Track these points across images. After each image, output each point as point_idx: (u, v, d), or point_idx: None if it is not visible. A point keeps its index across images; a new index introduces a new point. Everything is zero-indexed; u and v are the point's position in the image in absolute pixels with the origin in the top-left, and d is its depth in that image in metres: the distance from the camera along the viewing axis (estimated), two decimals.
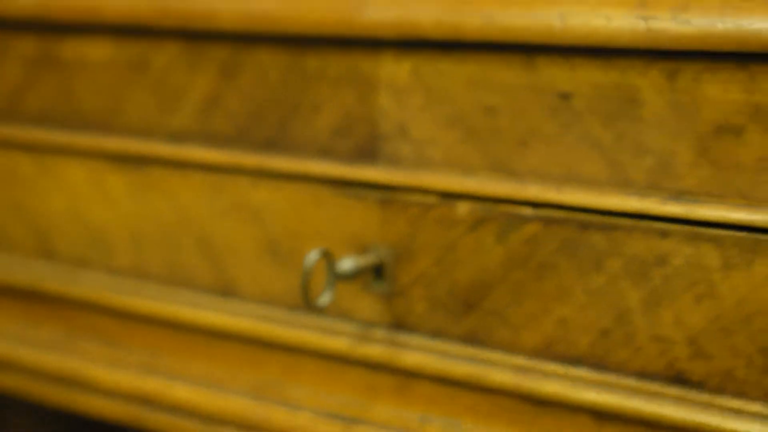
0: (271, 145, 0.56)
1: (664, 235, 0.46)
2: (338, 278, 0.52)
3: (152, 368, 0.63)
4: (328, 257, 0.51)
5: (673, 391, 0.47)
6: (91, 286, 0.66)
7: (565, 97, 0.47)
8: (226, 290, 0.60)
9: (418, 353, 0.53)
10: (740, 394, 0.45)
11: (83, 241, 0.66)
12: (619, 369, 0.48)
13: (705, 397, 0.46)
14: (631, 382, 0.48)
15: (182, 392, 0.61)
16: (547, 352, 0.50)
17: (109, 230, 0.65)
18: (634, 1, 0.45)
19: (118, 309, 0.65)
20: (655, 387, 0.47)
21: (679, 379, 0.47)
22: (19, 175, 0.68)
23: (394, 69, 0.51)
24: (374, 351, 0.54)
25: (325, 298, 0.52)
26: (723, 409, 0.46)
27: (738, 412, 0.45)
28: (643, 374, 0.48)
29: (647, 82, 0.45)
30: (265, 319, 0.58)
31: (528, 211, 0.49)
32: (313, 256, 0.50)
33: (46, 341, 0.68)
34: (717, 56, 0.44)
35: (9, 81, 0.67)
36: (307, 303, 0.51)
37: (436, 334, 0.52)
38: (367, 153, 0.53)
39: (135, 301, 0.64)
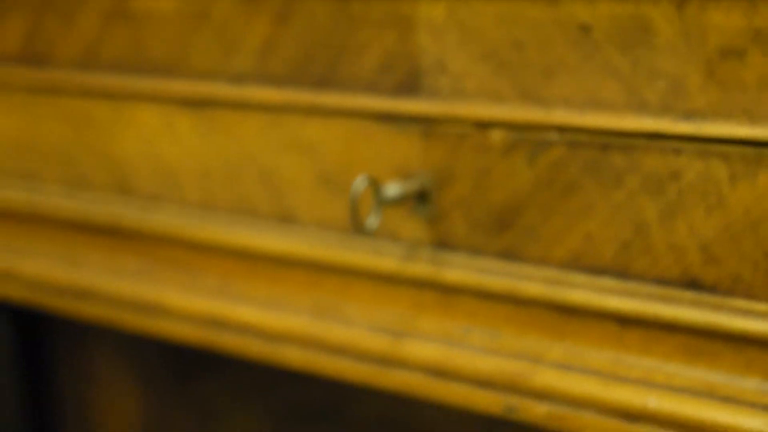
0: (322, 83, 0.60)
1: (677, 152, 0.49)
2: (384, 203, 0.55)
3: (222, 293, 0.67)
4: (374, 184, 0.55)
5: (688, 295, 0.50)
6: (165, 219, 0.70)
7: (586, 29, 0.50)
8: (285, 218, 0.63)
9: (459, 270, 0.56)
10: (748, 295, 0.49)
11: (156, 179, 0.70)
12: (640, 277, 0.52)
13: (717, 299, 0.49)
14: (651, 288, 0.51)
15: (249, 313, 0.64)
16: (574, 264, 0.53)
17: (179, 168, 0.68)
18: None
19: (190, 240, 0.68)
20: (672, 292, 0.51)
21: (693, 284, 0.50)
22: (96, 120, 0.71)
23: (430, 9, 0.55)
24: (419, 269, 0.58)
25: (372, 222, 0.55)
26: (733, 310, 0.49)
27: (746, 312, 0.49)
28: (661, 281, 0.51)
29: (659, 12, 0.48)
30: (321, 244, 0.62)
31: (554, 135, 0.52)
32: (359, 182, 0.54)
33: (125, 271, 0.72)
34: None
35: (86, 33, 0.70)
36: (355, 227, 0.55)
37: (475, 251, 0.56)
38: (409, 87, 0.56)
39: (205, 232, 0.67)
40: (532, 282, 0.55)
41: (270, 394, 1.20)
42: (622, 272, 0.52)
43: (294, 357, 0.62)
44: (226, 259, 0.67)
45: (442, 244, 0.57)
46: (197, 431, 1.24)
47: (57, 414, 1.35)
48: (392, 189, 0.56)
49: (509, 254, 0.55)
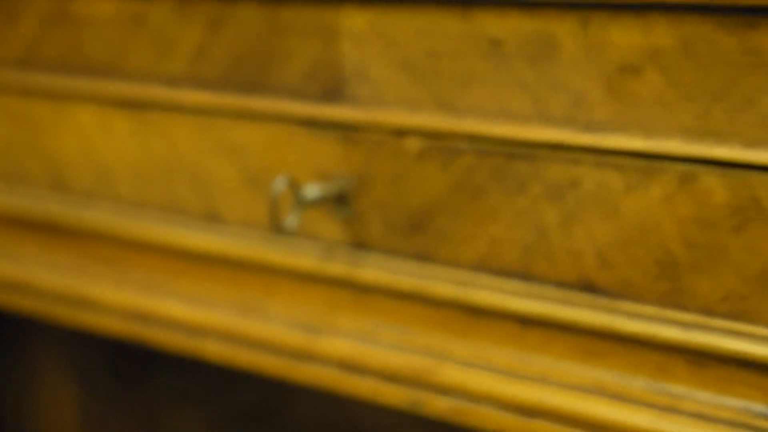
0: (251, 88, 0.62)
1: (577, 162, 0.52)
2: (304, 204, 0.57)
3: (149, 288, 0.68)
4: (294, 185, 0.57)
5: (584, 298, 0.53)
6: (99, 217, 0.71)
7: (496, 42, 0.53)
8: (212, 217, 0.65)
9: (374, 270, 0.59)
10: (638, 299, 0.51)
11: (92, 177, 0.72)
12: (541, 280, 0.54)
13: (609, 302, 0.52)
14: (550, 291, 0.54)
15: (174, 308, 0.66)
16: (481, 266, 0.56)
17: (114, 166, 0.70)
18: None
19: (122, 237, 0.70)
20: (569, 295, 0.53)
21: (588, 287, 0.53)
22: (35, 118, 0.73)
23: (353, 20, 0.57)
24: (336, 269, 0.60)
25: (291, 222, 0.57)
26: (624, 313, 0.52)
27: (636, 315, 0.51)
28: (560, 284, 0.54)
29: (564, 29, 0.51)
30: (245, 243, 0.64)
31: (465, 143, 0.55)
32: (279, 183, 0.56)
33: (58, 266, 0.73)
34: (620, 6, 0.50)
35: (27, 34, 0.72)
36: (275, 226, 0.57)
37: (390, 252, 0.58)
38: (332, 94, 0.59)
39: (136, 230, 0.69)
40: (441, 283, 0.57)
41: (211, 397, 1.23)
42: (524, 275, 0.55)
43: (215, 350, 0.64)
44: (155, 256, 0.69)
45: (359, 244, 0.59)
46: None
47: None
48: (312, 191, 0.58)
49: (421, 256, 0.57)
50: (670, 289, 0.51)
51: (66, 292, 0.72)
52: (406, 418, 1.04)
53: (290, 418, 1.15)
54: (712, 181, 0.49)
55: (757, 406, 0.49)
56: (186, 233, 0.67)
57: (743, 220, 0.48)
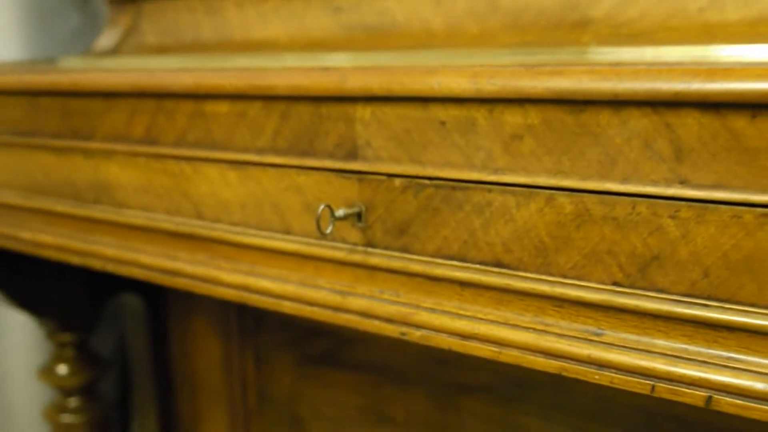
0: (305, 153, 0.69)
1: (489, 191, 0.61)
2: (336, 219, 0.66)
3: (250, 273, 0.76)
4: (331, 209, 0.66)
5: (497, 270, 0.61)
6: (221, 232, 0.77)
7: (443, 122, 0.62)
8: (286, 230, 0.73)
9: (378, 257, 0.67)
10: (525, 269, 0.60)
11: (216, 209, 0.78)
12: (472, 260, 0.62)
13: (510, 272, 0.61)
14: (477, 266, 0.62)
15: (265, 284, 0.74)
16: (438, 254, 0.64)
17: (229, 202, 0.76)
18: (470, 72, 0.59)
19: (235, 243, 0.77)
20: (488, 269, 0.62)
21: (499, 264, 0.61)
22: (184, 175, 0.79)
23: (363, 111, 0.65)
24: (357, 257, 0.68)
25: (329, 229, 0.66)
26: (518, 277, 0.60)
27: (525, 278, 0.60)
28: (482, 262, 0.62)
29: (480, 114, 0.60)
30: (305, 243, 0.71)
31: (427, 181, 0.63)
32: (322, 208, 0.65)
33: (198, 261, 0.80)
34: (509, 101, 0.58)
35: (179, 126, 0.78)
36: (320, 232, 0.66)
37: (386, 247, 0.67)
38: (351, 155, 0.67)
39: (243, 239, 0.76)
40: (415, 264, 0.65)
41: (297, 344, 1.28)
42: (462, 258, 0.63)
43: (290, 307, 0.72)
44: (254, 254, 0.76)
45: (369, 243, 0.68)
46: (252, 367, 1.33)
47: (169, 354, 1.46)
48: (340, 212, 0.66)
49: (404, 249, 0.66)
50: (543, 263, 0.59)
51: (203, 276, 0.79)
52: (425, 354, 1.11)
53: (349, 357, 1.24)
54: (563, 200, 0.57)
55: (591, 328, 0.58)
56: (271, 239, 0.74)
57: (581, 222, 0.57)
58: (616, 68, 0.54)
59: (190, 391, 1.42)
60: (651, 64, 0.54)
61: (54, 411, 1.33)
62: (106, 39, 1.34)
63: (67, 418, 1.32)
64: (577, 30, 0.89)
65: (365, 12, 1.05)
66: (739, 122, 0.51)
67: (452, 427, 1.13)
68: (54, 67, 1.10)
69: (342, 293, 0.69)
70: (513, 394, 1.07)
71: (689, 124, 0.52)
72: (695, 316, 0.54)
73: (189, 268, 0.81)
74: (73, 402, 1.32)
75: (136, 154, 0.85)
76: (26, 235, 0.96)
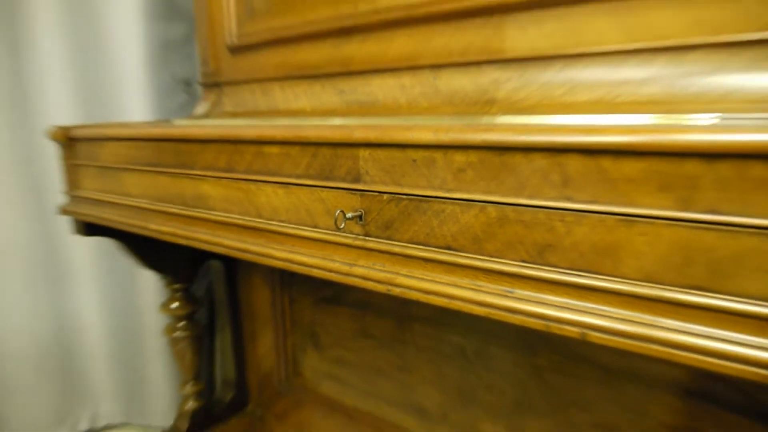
0: (327, 177, 0.64)
1: (443, 203, 0.55)
2: (347, 219, 0.61)
3: (292, 251, 0.69)
4: (343, 212, 0.61)
5: (448, 252, 0.56)
6: (274, 225, 0.71)
7: (415, 160, 0.57)
8: (314, 226, 0.67)
9: (372, 243, 0.61)
10: (467, 251, 0.55)
11: (270, 211, 0.71)
12: (431, 245, 0.57)
13: (457, 253, 0.55)
14: (435, 249, 0.57)
15: (302, 258, 0.67)
16: (410, 241, 0.58)
17: (279, 207, 0.70)
18: (432, 129, 0.55)
19: (281, 232, 0.70)
20: (441, 251, 0.56)
21: (449, 248, 0.56)
22: (252, 191, 0.73)
23: (364, 152, 0.60)
24: (359, 242, 0.63)
25: (342, 225, 0.61)
26: (463, 257, 0.55)
27: (468, 257, 0.55)
28: (437, 246, 0.56)
29: (438, 155, 0.55)
30: (326, 233, 0.65)
31: (404, 197, 0.58)
32: (337, 213, 0.60)
33: (258, 243, 0.73)
34: (457, 147, 0.54)
35: (246, 160, 0.72)
36: (336, 227, 0.61)
37: (378, 237, 0.61)
38: (356, 179, 0.61)
39: (287, 230, 0.69)
40: (396, 247, 0.60)
41: (332, 303, 1.22)
42: (425, 243, 0.57)
43: (317, 273, 0.66)
44: (294, 240, 0.70)
45: (367, 234, 0.62)
46: (288, 304, 1.28)
47: (238, 296, 1.39)
48: (349, 215, 0.61)
49: (389, 237, 0.60)
50: (477, 248, 0.54)
51: (262, 252, 0.72)
52: (392, 297, 1.07)
53: (346, 299, 1.18)
54: (491, 210, 0.53)
55: (507, 288, 0.53)
56: (305, 231, 0.68)
57: (504, 222, 0.52)
58: (526, 128, 0.50)
59: (250, 318, 1.35)
60: (547, 126, 0.49)
61: (170, 330, 1.27)
62: (200, 109, 1.28)
63: (178, 334, 1.26)
64: (488, 105, 0.84)
65: (359, 93, 0.99)
66: (606, 161, 0.46)
67: (408, 341, 1.08)
68: (169, 124, 1.04)
69: (349, 264, 0.64)
70: (443, 321, 1.03)
71: (573, 162, 0.48)
72: (573, 282, 0.49)
73: (253, 248, 0.75)
74: (181, 324, 1.26)
75: (220, 178, 0.78)
76: (153, 226, 0.89)
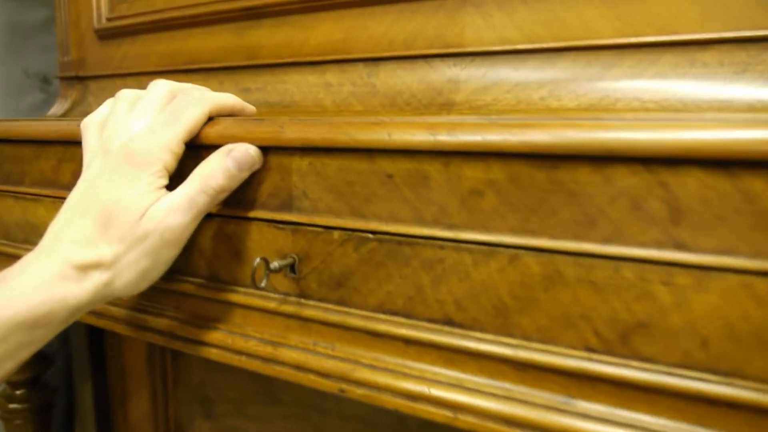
0: (237, 203, 0.39)
1: (442, 247, 0.32)
2: (271, 272, 0.36)
3: (175, 316, 0.44)
4: (266, 261, 0.35)
5: (446, 328, 0.32)
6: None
7: (390, 175, 0.33)
8: (213, 277, 0.41)
9: (313, 309, 0.37)
10: (481, 330, 0.31)
11: None
12: (418, 317, 0.33)
13: (462, 331, 0.32)
14: (424, 323, 0.33)
15: (183, 328, 0.42)
16: (380, 308, 0.34)
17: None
18: (426, 125, 0.31)
19: (156, 286, 0.45)
20: (436, 326, 0.32)
21: (449, 322, 0.32)
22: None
23: (299, 162, 0.36)
24: (289, 308, 0.37)
25: (263, 283, 0.36)
26: (472, 338, 0.31)
27: (480, 340, 0.31)
28: (430, 320, 0.33)
29: (433, 167, 0.31)
30: (240, 294, 0.40)
31: (370, 235, 0.34)
32: (257, 260, 0.35)
33: (114, 302, 0.48)
34: (470, 154, 0.31)
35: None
36: (254, 284, 0.36)
37: (322, 299, 0.36)
38: (286, 206, 0.37)
39: (160, 281, 0.45)
40: (354, 318, 0.35)
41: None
42: (408, 314, 0.33)
43: (217, 354, 0.41)
44: (179, 299, 0.44)
45: (303, 294, 0.37)
46: (170, 359, 0.98)
47: (103, 349, 1.06)
48: (275, 264, 0.36)
49: (342, 302, 0.36)
50: (503, 324, 0.31)
51: (123, 317, 0.46)
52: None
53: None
54: (530, 260, 0.30)
55: (559, 397, 0.30)
56: (200, 288, 0.42)
57: (554, 282, 0.29)
58: (602, 122, 0.27)
59: (120, 376, 1.02)
60: (640, 119, 0.27)
61: (3, 400, 0.91)
62: (57, 108, 0.95)
63: (14, 406, 0.91)
64: (444, 110, 0.61)
65: (270, 92, 0.73)
66: (755, 183, 0.25)
67: (329, 409, 0.81)
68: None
69: (273, 343, 0.38)
70: None
71: (690, 183, 0.26)
72: (687, 390, 0.27)
73: (113, 310, 0.46)
74: (19, 393, 0.91)
75: (63, 199, 0.50)
76: None
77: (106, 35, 0.89)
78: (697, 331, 0.26)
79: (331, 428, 0.80)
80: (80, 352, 1.06)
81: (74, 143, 0.46)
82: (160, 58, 0.83)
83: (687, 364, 0.27)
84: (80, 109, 0.94)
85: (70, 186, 0.49)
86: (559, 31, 0.57)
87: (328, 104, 0.69)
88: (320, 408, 0.81)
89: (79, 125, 0.43)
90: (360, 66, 0.69)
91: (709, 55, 0.50)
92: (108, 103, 0.42)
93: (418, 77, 0.65)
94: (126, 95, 0.41)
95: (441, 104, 0.63)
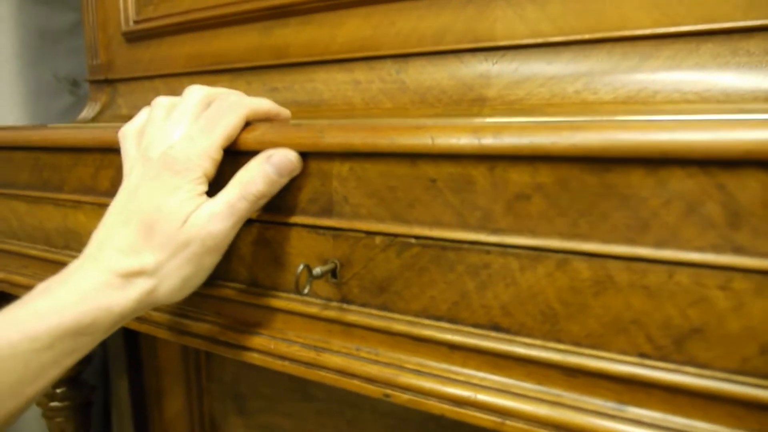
0: (276, 209, 0.39)
1: (488, 252, 0.31)
2: (314, 278, 0.36)
3: (216, 321, 0.44)
4: (309, 267, 0.35)
5: (493, 333, 0.32)
6: None
7: (433, 180, 0.32)
8: (253, 282, 0.41)
9: (355, 315, 0.36)
10: (528, 335, 0.31)
11: None
12: (463, 322, 0.33)
13: (509, 336, 0.31)
14: (469, 328, 0.32)
15: (225, 332, 0.42)
16: (424, 313, 0.34)
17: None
18: (471, 128, 0.31)
19: (196, 291, 0.46)
20: (482, 331, 0.32)
21: (495, 327, 0.32)
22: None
23: (340, 167, 0.35)
24: (331, 313, 0.37)
25: (306, 289, 0.36)
26: (519, 344, 0.31)
27: (528, 345, 0.31)
28: (476, 325, 0.32)
29: (478, 172, 0.31)
30: (281, 299, 0.40)
31: (413, 240, 0.34)
32: (300, 267, 0.35)
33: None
34: (516, 158, 0.30)
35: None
36: (297, 291, 0.36)
37: (364, 304, 0.36)
38: (327, 211, 0.37)
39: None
40: (397, 323, 0.35)
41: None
42: (452, 319, 0.33)
43: (259, 360, 0.41)
44: (219, 304, 0.44)
45: (345, 299, 0.37)
46: (204, 357, 0.99)
47: (139, 347, 1.08)
48: (317, 270, 0.36)
49: (384, 307, 0.36)
50: (551, 329, 0.30)
51: (164, 321, 0.46)
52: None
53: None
54: (580, 265, 0.29)
55: (611, 403, 0.29)
56: (240, 293, 0.42)
57: (605, 287, 0.29)
58: (656, 123, 0.27)
59: (155, 373, 1.04)
60: (697, 120, 0.27)
61: (45, 399, 0.93)
62: (88, 112, 0.97)
63: (55, 404, 0.93)
64: (476, 106, 0.61)
65: (298, 91, 0.73)
66: None
67: (363, 405, 0.82)
68: (24, 128, 0.72)
69: (317, 348, 0.38)
70: None
71: (750, 185, 0.25)
72: (748, 396, 0.27)
73: (155, 315, 0.47)
74: (59, 391, 0.93)
75: (102, 205, 0.50)
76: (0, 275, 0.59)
77: (134, 38, 0.90)
78: (756, 337, 0.26)
79: (365, 424, 0.81)
80: (117, 350, 1.08)
81: (111, 150, 0.47)
82: (187, 60, 0.83)
83: (745, 370, 0.26)
84: (110, 112, 0.95)
85: (108, 193, 0.49)
86: (594, 22, 0.56)
87: (357, 102, 0.69)
88: (354, 404, 0.81)
89: (116, 132, 0.44)
90: (389, 63, 0.68)
91: (754, 44, 0.48)
92: (144, 111, 0.42)
93: (448, 73, 0.64)
94: (162, 102, 0.41)
95: (472, 100, 0.62)
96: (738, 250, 0.26)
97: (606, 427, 0.29)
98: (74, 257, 0.52)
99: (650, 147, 0.26)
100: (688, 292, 0.27)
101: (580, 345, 0.30)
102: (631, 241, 0.28)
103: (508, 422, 0.31)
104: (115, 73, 0.93)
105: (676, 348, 0.27)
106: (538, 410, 0.30)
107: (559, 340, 0.30)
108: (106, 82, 0.94)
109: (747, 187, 0.25)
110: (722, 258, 0.26)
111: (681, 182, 0.26)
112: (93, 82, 0.96)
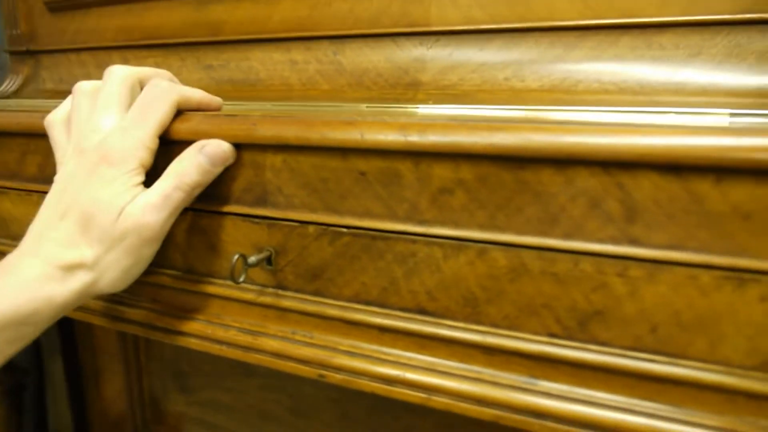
0: (208, 198, 0.39)
1: (414, 242, 0.33)
2: (249, 266, 0.37)
3: (152, 308, 0.45)
4: (244, 257, 0.36)
5: (419, 317, 0.34)
6: None
7: (364, 173, 0.34)
8: (188, 269, 0.41)
9: (290, 300, 0.38)
10: (452, 318, 0.33)
11: None
12: (392, 306, 0.35)
13: (435, 319, 0.34)
14: (397, 312, 0.34)
15: (162, 318, 0.43)
16: (356, 299, 0.36)
17: None
18: (398, 125, 0.32)
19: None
20: (409, 315, 0.34)
21: (422, 311, 0.34)
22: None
23: (273, 159, 0.36)
24: (267, 299, 0.39)
25: (242, 278, 0.36)
26: (444, 326, 0.33)
27: (451, 327, 0.33)
28: (403, 309, 0.34)
29: (404, 166, 0.32)
30: (218, 285, 0.41)
31: (345, 230, 0.35)
32: (235, 257, 0.35)
33: None
34: (440, 155, 0.32)
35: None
36: (233, 280, 0.36)
37: (298, 290, 0.37)
38: (261, 201, 0.37)
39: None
40: (331, 308, 0.37)
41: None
42: (382, 304, 0.35)
43: (197, 345, 0.41)
44: (155, 291, 0.44)
45: (280, 286, 0.38)
46: (147, 344, 0.98)
47: (72, 331, 1.05)
48: (252, 258, 0.37)
49: (318, 293, 0.37)
50: (472, 312, 0.33)
51: (99, 309, 0.46)
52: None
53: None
54: (497, 254, 0.31)
55: (524, 378, 0.32)
56: (176, 280, 0.43)
57: (519, 275, 0.31)
58: (565, 127, 0.29)
59: (91, 353, 1.02)
60: (601, 124, 0.29)
61: None
62: (8, 85, 0.91)
63: None
64: (411, 89, 0.62)
65: (234, 69, 0.72)
66: (702, 184, 0.27)
67: (304, 379, 0.84)
68: None
69: (252, 333, 0.39)
70: None
71: (645, 184, 0.28)
72: (639, 370, 0.30)
73: (92, 303, 0.46)
74: None
75: (30, 192, 0.49)
76: None
77: (57, 7, 0.85)
78: (647, 318, 0.29)
79: (307, 396, 0.83)
80: (49, 330, 1.05)
81: (38, 135, 0.45)
82: (116, 33, 0.80)
83: (638, 347, 0.29)
84: (33, 86, 0.90)
85: (36, 178, 0.48)
86: (523, 11, 0.58)
87: (294, 82, 0.69)
88: (295, 377, 0.83)
89: (41, 119, 0.42)
90: (326, 43, 0.68)
91: (666, 38, 0.51)
92: (68, 99, 0.41)
93: (384, 56, 0.65)
94: (84, 88, 0.40)
95: (408, 84, 0.63)
96: (633, 242, 0.29)
97: (520, 399, 0.32)
98: (1, 244, 0.50)
99: (559, 148, 0.28)
100: (591, 278, 0.30)
101: (498, 326, 0.32)
102: (542, 233, 0.30)
103: (434, 398, 0.33)
104: (38, 44, 0.88)
105: (580, 328, 0.30)
106: (461, 386, 0.33)
107: (479, 322, 0.33)
108: (28, 53, 0.89)
109: (642, 186, 0.28)
110: (620, 248, 0.29)
111: (585, 180, 0.29)
112: (13, 53, 0.90)
